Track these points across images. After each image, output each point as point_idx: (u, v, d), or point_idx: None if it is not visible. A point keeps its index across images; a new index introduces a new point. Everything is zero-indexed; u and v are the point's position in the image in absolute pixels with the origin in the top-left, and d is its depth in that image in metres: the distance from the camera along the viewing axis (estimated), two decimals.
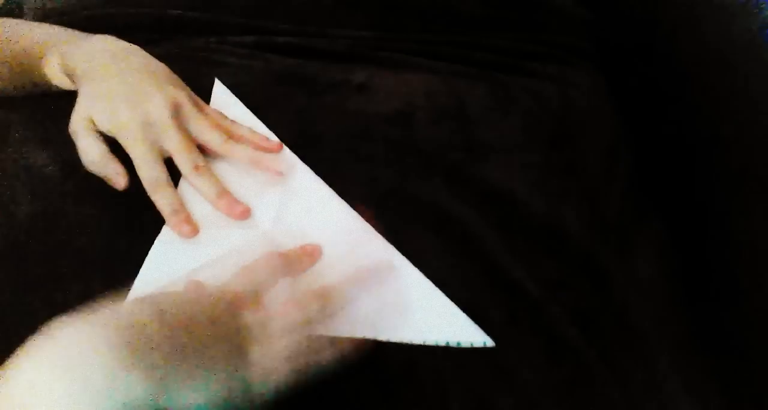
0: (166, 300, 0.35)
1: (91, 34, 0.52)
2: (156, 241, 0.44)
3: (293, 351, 0.36)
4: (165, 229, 0.45)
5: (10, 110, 0.53)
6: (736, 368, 0.48)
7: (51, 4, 0.64)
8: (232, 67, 0.55)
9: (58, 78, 0.51)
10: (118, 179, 0.45)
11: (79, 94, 0.47)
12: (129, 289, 0.42)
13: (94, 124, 0.45)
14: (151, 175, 0.45)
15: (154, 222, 0.45)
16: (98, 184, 0.47)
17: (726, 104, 0.55)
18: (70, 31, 0.54)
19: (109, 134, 0.45)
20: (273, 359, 0.35)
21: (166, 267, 0.43)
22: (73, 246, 0.45)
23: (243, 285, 0.38)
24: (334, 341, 0.38)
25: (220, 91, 0.54)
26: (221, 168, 0.48)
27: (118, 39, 0.50)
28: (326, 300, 0.38)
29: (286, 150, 0.50)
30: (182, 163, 0.46)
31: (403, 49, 0.60)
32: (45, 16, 0.60)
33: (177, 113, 0.46)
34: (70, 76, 0.49)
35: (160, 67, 0.49)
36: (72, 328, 0.29)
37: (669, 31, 0.63)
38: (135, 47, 0.50)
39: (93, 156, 0.45)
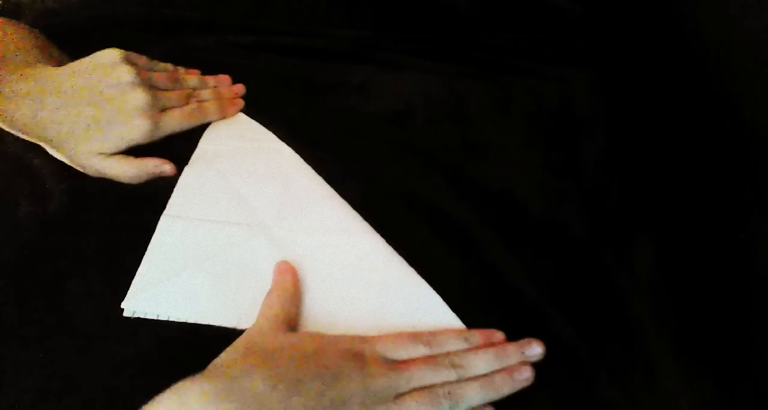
0: (281, 357, 0.35)
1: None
2: (154, 237, 0.45)
3: None
4: (162, 223, 0.45)
5: None
6: (735, 367, 0.48)
7: (50, 4, 0.64)
8: (232, 67, 0.55)
9: None
10: (165, 168, 0.47)
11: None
12: (128, 288, 0.42)
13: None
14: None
15: (154, 222, 0.45)
16: (97, 183, 0.47)
17: (730, 102, 0.55)
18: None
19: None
20: None
21: (166, 265, 0.44)
22: (73, 246, 0.45)
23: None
24: None
25: None
26: (222, 165, 0.49)
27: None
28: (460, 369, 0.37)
29: (287, 149, 0.50)
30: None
31: (402, 49, 0.60)
32: (44, 16, 0.60)
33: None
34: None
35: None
36: (193, 391, 0.32)
37: (670, 29, 0.63)
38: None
39: (130, 169, 0.46)
